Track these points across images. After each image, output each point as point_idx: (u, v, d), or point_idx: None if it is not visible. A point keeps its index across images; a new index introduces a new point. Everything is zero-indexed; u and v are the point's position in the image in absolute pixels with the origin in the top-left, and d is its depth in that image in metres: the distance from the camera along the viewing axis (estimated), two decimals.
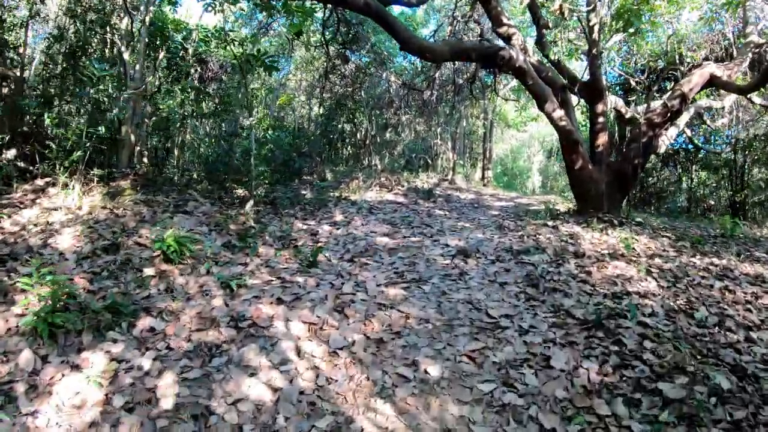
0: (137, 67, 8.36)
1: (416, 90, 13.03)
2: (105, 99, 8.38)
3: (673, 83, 11.78)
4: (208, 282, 4.38)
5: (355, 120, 16.00)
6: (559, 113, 7.65)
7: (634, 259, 5.52)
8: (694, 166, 14.09)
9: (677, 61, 12.01)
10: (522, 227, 7.29)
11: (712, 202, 13.74)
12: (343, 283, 4.50)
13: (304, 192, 10.12)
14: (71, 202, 5.87)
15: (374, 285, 4.46)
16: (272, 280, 4.54)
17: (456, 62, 12.00)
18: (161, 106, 9.31)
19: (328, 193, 10.33)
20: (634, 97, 13.27)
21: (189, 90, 8.33)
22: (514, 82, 19.13)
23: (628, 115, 10.58)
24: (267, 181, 9.94)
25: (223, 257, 5.04)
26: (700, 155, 13.79)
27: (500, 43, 8.74)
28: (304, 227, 6.88)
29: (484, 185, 17.19)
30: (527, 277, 4.79)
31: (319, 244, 5.84)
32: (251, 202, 6.89)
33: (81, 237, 4.95)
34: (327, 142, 15.31)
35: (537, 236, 6.54)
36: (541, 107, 7.72)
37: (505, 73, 7.70)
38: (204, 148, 11.39)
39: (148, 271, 4.40)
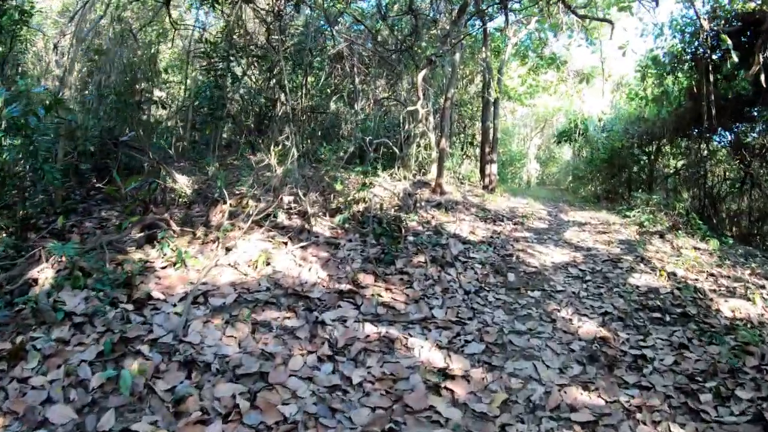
0: None
1: None
2: None
3: None
4: None
5: (281, 84, 9.00)
6: None
7: None
8: None
9: None
10: None
11: None
12: None
13: (41, 273, 3.25)
14: None
15: None
16: None
17: None
18: None
19: (112, 273, 3.49)
20: None
21: None
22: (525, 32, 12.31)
23: None
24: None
25: None
26: None
27: None
28: None
29: (486, 188, 10.51)
30: None
31: None
32: None
33: None
34: (212, 120, 8.27)
35: None
36: None
37: None
38: None
39: None
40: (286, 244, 4.73)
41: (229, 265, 4.20)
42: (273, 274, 4.04)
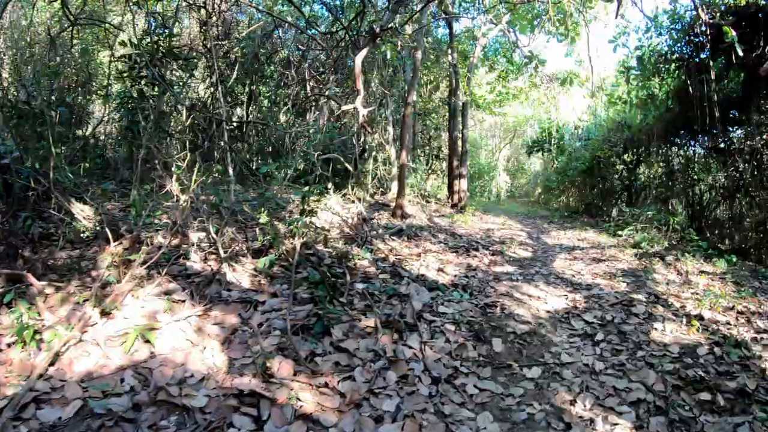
0: None
1: None
2: None
3: None
4: None
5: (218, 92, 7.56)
6: None
7: None
8: None
9: None
10: None
11: None
12: None
13: None
14: None
15: None
16: None
17: None
18: None
19: None
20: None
21: None
22: (494, 36, 11.33)
23: None
24: None
25: None
26: None
27: None
28: None
29: (454, 207, 9.31)
30: None
31: None
32: None
33: None
34: (131, 136, 6.79)
35: None
36: None
37: None
38: None
39: None
40: (184, 302, 3.36)
41: (95, 342, 2.81)
42: (148, 360, 2.67)
